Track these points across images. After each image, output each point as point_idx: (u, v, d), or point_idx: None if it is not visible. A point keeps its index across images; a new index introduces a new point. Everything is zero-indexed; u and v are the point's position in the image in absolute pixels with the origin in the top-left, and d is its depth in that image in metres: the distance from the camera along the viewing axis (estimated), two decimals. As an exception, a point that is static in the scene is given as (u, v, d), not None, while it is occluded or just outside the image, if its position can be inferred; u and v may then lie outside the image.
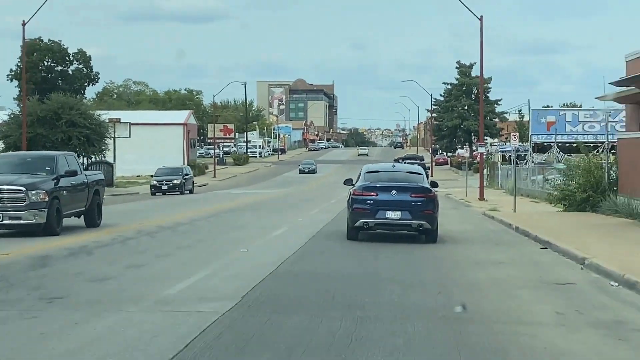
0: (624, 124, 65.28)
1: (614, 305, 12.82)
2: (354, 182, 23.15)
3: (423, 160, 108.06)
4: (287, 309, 11.89)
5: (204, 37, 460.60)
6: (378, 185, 22.24)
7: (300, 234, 24.75)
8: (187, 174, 63.87)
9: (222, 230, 26.18)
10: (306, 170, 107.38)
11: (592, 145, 39.57)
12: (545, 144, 63.38)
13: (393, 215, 21.78)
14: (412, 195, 21.86)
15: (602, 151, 36.80)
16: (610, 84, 27.39)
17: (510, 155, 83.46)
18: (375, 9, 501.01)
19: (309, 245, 21.57)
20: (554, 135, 63.81)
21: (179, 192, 60.32)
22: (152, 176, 65.07)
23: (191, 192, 62.65)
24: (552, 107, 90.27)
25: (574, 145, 55.93)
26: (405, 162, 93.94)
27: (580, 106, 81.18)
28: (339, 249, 20.70)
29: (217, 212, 35.87)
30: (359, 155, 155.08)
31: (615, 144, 37.48)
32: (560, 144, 63.87)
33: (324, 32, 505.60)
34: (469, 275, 16.04)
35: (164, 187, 60.36)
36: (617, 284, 14.78)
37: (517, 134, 36.09)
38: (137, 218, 31.96)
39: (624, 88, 32.67)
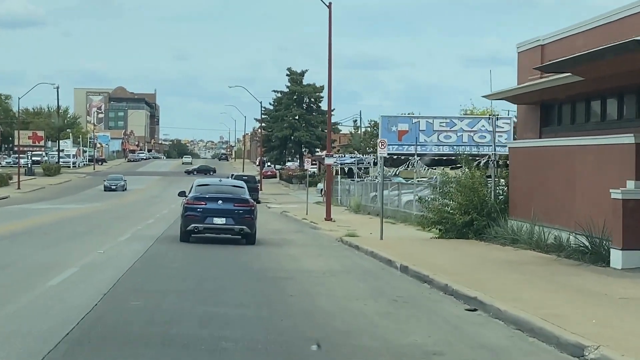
0: (484, 134, 59.58)
1: None
2: (187, 194, 26.90)
3: (213, 170, 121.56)
4: None
5: (20, 43, 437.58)
6: (207, 196, 26.04)
7: (94, 282, 16.29)
8: None
9: (-26, 275, 17.12)
10: (113, 187, 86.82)
11: (467, 158, 32.63)
12: (394, 156, 56.52)
13: (219, 221, 25.63)
14: (235, 204, 25.81)
15: (488, 164, 29.97)
16: (535, 69, 20.16)
17: (349, 169, 77.13)
18: (198, 20, 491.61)
19: (102, 308, 13.11)
20: (406, 146, 56.94)
21: None
22: None
23: None
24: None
25: (452, 157, 49.50)
26: (196, 174, 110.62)
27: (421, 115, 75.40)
28: (155, 317, 12.40)
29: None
30: (183, 164, 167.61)
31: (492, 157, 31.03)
32: (421, 156, 57.04)
33: (146, 42, 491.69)
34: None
35: None
36: None
37: (385, 140, 28.79)
38: None
39: (511, 87, 26.06)
